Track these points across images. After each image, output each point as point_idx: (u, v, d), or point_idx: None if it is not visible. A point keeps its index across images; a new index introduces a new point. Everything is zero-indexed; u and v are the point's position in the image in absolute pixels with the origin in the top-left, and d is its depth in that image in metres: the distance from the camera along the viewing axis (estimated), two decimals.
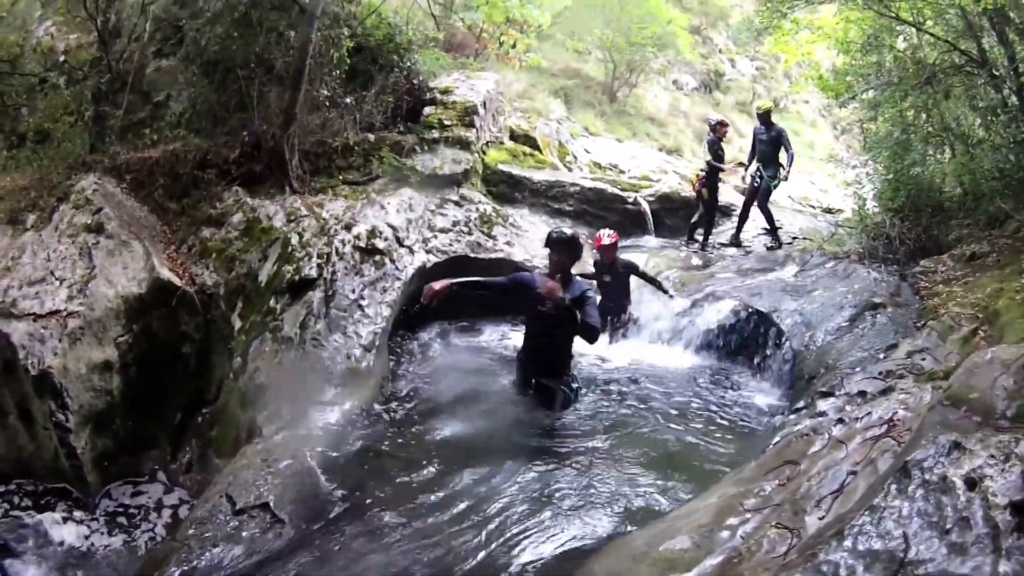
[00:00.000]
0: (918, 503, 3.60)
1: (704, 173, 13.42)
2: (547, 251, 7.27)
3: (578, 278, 7.59)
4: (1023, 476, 3.44)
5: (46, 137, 11.52)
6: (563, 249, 7.06)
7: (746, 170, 13.98)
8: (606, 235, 10.48)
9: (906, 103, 11.59)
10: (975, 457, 3.66)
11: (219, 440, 8.30)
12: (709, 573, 4.21)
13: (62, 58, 12.77)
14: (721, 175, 13.88)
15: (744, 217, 13.89)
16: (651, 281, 10.77)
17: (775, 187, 13.37)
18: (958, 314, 7.48)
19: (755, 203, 13.62)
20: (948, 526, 3.39)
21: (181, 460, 8.73)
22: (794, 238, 13.62)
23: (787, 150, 13.23)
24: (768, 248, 13.29)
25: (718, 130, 13.50)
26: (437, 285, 6.64)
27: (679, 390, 8.80)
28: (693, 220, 13.88)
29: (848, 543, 3.55)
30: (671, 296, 10.70)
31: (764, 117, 13.43)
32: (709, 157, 13.35)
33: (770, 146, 13.24)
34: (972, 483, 3.53)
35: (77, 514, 7.92)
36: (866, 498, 3.94)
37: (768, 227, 13.63)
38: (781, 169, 13.17)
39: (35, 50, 12.38)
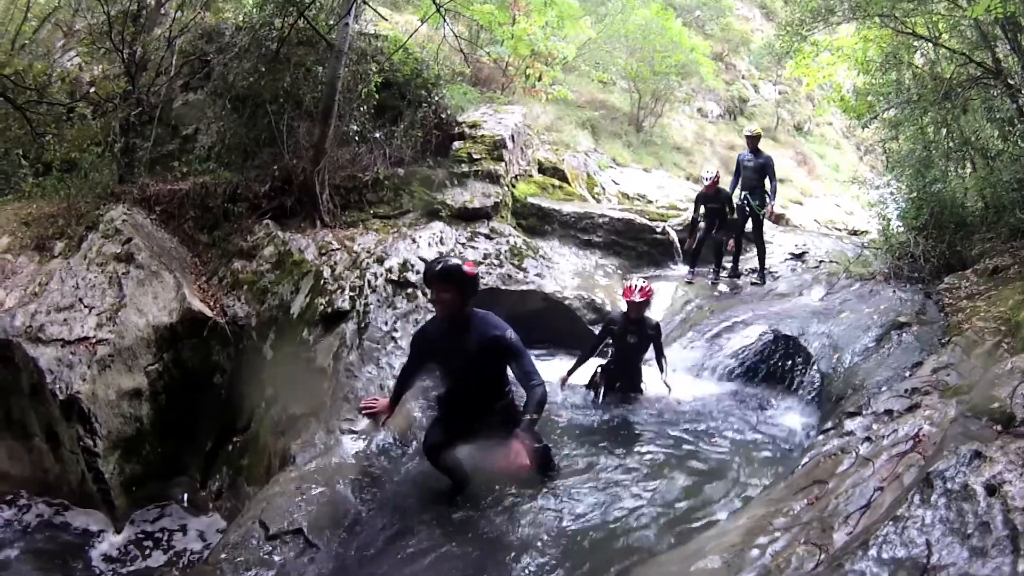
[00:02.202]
0: (940, 511, 3.72)
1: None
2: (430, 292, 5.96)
3: (488, 314, 5.90)
4: None
5: (73, 166, 11.55)
6: (448, 285, 5.62)
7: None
8: (638, 288, 8.77)
9: (926, 119, 11.69)
10: (995, 464, 3.78)
11: (251, 468, 8.33)
12: None
13: (90, 89, 12.79)
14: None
15: (739, 247, 13.59)
16: (660, 352, 9.11)
17: (763, 216, 13.06)
18: (981, 328, 7.42)
19: (744, 231, 13.35)
20: (969, 531, 3.51)
21: (211, 487, 8.77)
22: (820, 262, 13.53)
23: (771, 180, 12.94)
24: (752, 284, 13.16)
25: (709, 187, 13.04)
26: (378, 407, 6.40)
27: (708, 415, 8.72)
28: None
29: (873, 552, 3.68)
30: (664, 376, 8.95)
31: (753, 142, 13.10)
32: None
33: (756, 173, 12.94)
34: (992, 489, 3.66)
35: (104, 537, 8.02)
36: (890, 509, 4.01)
37: (759, 260, 13.39)
38: (767, 199, 12.90)
39: (63, 80, 12.40)
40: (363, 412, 6.64)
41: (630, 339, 8.93)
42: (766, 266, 13.39)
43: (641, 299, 8.69)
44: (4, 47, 12.72)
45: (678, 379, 9.88)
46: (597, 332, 9.30)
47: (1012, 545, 3.31)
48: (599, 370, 9.06)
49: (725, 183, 13.33)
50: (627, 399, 8.93)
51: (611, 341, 9.10)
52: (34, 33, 14.81)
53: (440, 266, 5.67)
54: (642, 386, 9.18)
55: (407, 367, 6.44)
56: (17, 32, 13.65)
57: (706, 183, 12.87)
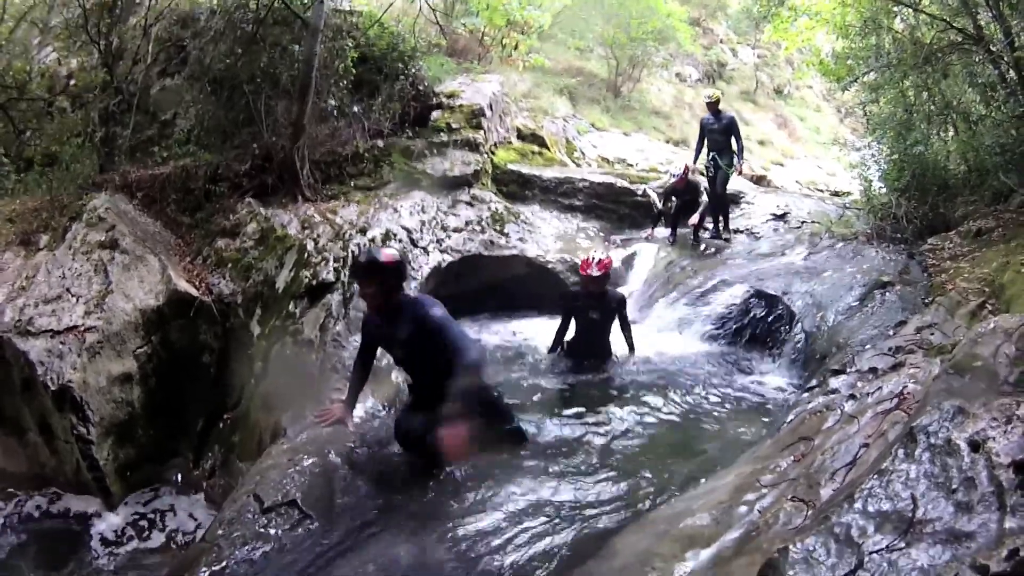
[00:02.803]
0: (925, 465, 3.73)
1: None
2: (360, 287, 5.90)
3: (420, 297, 5.93)
4: None
5: (54, 160, 11.57)
6: (370, 279, 5.63)
7: (695, 161, 13.82)
8: (595, 261, 8.47)
9: (906, 83, 11.76)
10: (978, 420, 3.77)
11: (242, 444, 8.35)
12: (728, 547, 4.28)
13: (70, 82, 12.82)
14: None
15: (715, 210, 13.61)
16: (625, 326, 8.90)
17: (730, 175, 13.22)
18: (965, 289, 7.56)
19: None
20: (954, 486, 3.52)
21: (204, 466, 8.78)
22: (803, 222, 13.53)
23: (738, 140, 13.07)
24: (713, 238, 13.32)
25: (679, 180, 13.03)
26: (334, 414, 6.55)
27: (694, 375, 8.84)
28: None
29: (859, 505, 3.67)
30: (632, 351, 8.96)
31: (713, 107, 13.24)
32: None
33: (722, 135, 13.08)
34: (976, 445, 3.64)
35: (101, 522, 8.04)
36: (875, 464, 4.05)
37: (720, 217, 13.58)
38: (735, 158, 13.03)
39: (42, 75, 12.43)
40: (320, 423, 6.56)
41: (592, 315, 8.68)
42: (730, 225, 13.67)
43: (599, 273, 8.41)
44: None
45: (661, 338, 10.06)
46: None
47: (998, 501, 3.35)
48: (563, 347, 8.98)
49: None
50: (597, 368, 8.70)
51: (573, 316, 8.84)
52: (11, 33, 14.78)
53: (359, 260, 5.76)
54: (613, 356, 8.95)
55: (359, 358, 6.43)
56: None
57: (674, 179, 12.93)
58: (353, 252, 9.57)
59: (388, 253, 5.69)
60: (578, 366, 8.69)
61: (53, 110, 11.93)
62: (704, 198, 12.94)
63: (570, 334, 8.95)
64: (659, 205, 13.67)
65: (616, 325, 8.84)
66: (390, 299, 5.67)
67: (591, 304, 8.61)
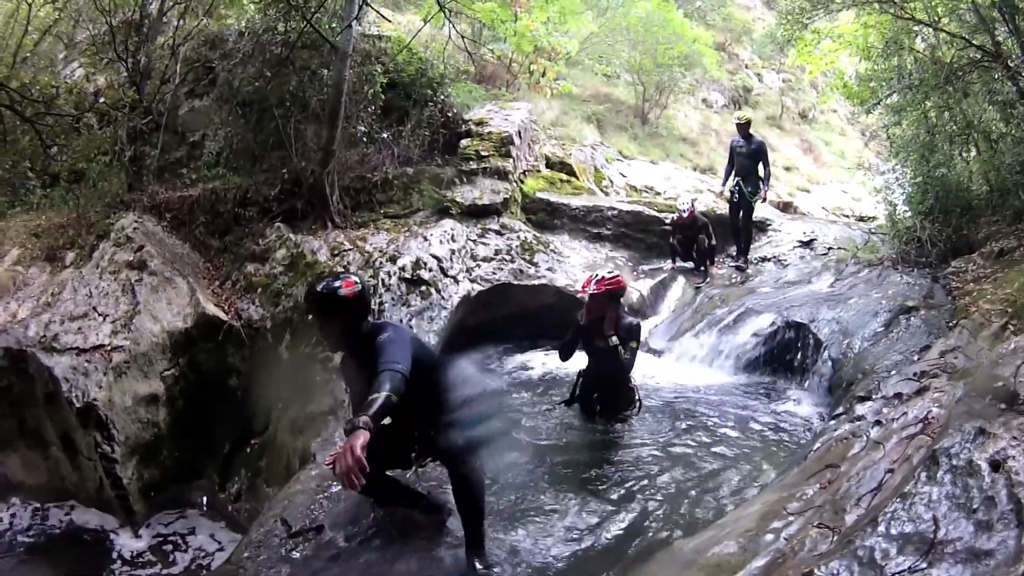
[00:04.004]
0: (946, 487, 3.83)
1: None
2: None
3: (381, 324, 4.99)
4: None
5: (81, 176, 11.61)
6: (329, 315, 4.93)
7: (723, 185, 13.63)
8: (596, 279, 7.25)
9: (928, 104, 11.64)
10: (999, 440, 3.90)
11: (269, 469, 8.40)
12: (755, 574, 4.25)
13: (98, 99, 12.79)
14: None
15: (738, 235, 13.61)
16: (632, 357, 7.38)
17: (754, 203, 13.11)
18: (988, 311, 7.42)
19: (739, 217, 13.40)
20: (975, 506, 3.62)
21: (230, 490, 8.82)
22: (829, 248, 13.49)
23: (765, 167, 12.95)
24: (737, 268, 13.24)
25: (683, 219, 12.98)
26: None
27: (722, 405, 8.76)
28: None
29: (882, 528, 3.78)
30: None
31: (744, 129, 13.06)
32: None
33: (750, 159, 12.92)
34: (996, 465, 3.77)
35: (123, 542, 8.10)
36: (899, 487, 4.11)
37: (743, 245, 13.51)
38: (760, 184, 12.90)
39: (69, 91, 12.41)
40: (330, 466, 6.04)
41: (599, 343, 7.25)
42: (749, 257, 13.52)
43: (597, 291, 7.13)
44: (6, 61, 12.71)
45: (689, 369, 10.03)
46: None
47: (1016, 519, 3.41)
48: (578, 379, 7.77)
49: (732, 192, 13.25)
50: (608, 415, 7.65)
51: (584, 348, 7.52)
52: (35, 46, 14.81)
53: (314, 292, 4.91)
54: (630, 410, 7.68)
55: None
56: (18, 46, 13.65)
57: (683, 214, 12.89)
58: (383, 280, 9.62)
59: (348, 283, 4.90)
60: (587, 407, 7.73)
61: (80, 126, 11.89)
62: (706, 241, 12.95)
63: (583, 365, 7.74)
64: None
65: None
66: (352, 337, 4.96)
67: (595, 331, 7.24)
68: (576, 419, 7.72)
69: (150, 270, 9.45)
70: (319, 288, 4.89)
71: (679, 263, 13.18)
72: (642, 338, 8.01)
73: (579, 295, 7.68)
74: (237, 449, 9.13)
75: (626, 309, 7.98)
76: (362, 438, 3.80)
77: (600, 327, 7.16)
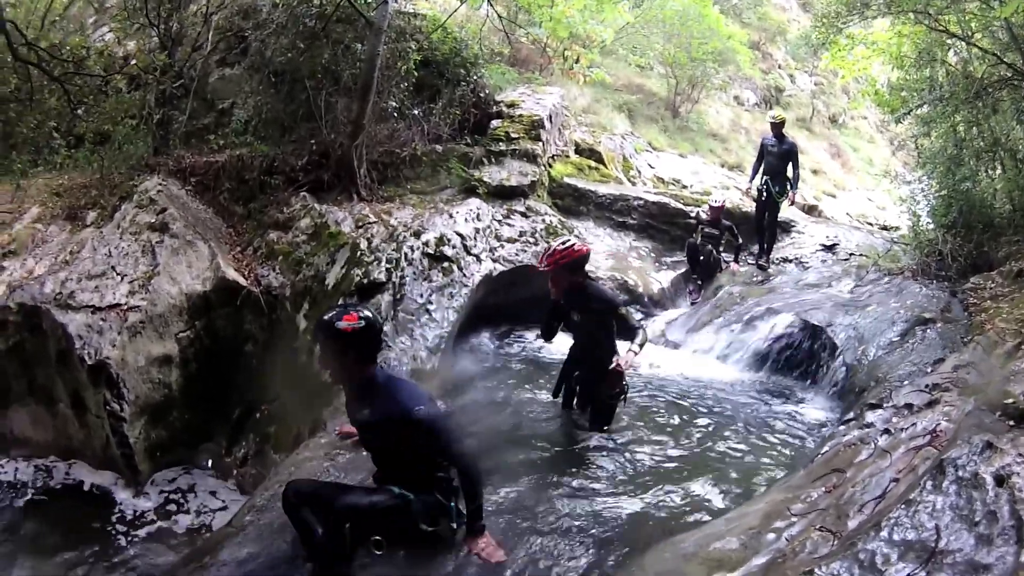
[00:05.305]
0: (951, 498, 3.89)
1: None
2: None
3: (404, 383, 4.92)
4: None
5: (106, 138, 11.56)
6: (330, 347, 4.69)
7: (751, 182, 13.73)
8: (546, 253, 6.73)
9: (957, 118, 11.61)
10: (1005, 455, 3.96)
11: (277, 436, 8.43)
12: (755, 572, 4.30)
13: (129, 62, 12.75)
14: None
15: (761, 234, 13.62)
16: (625, 330, 6.81)
17: (781, 203, 13.14)
18: (1003, 330, 7.41)
19: (763, 219, 13.45)
20: (977, 519, 3.67)
21: (236, 454, 8.83)
22: (851, 254, 13.51)
23: (795, 168, 12.94)
24: (759, 267, 13.29)
25: (711, 212, 13.08)
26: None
27: (734, 402, 8.76)
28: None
29: (884, 533, 3.82)
30: (632, 345, 6.63)
31: (777, 128, 13.05)
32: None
33: (780, 160, 12.90)
34: (1001, 479, 3.82)
35: (127, 500, 8.16)
36: (904, 494, 4.19)
37: (766, 245, 13.53)
38: (788, 186, 12.89)
39: (99, 54, 12.35)
40: (341, 436, 6.08)
41: (574, 316, 6.97)
42: (771, 257, 13.57)
43: (547, 267, 6.66)
44: (35, 23, 12.69)
45: (705, 363, 10.07)
46: None
47: (1017, 535, 3.46)
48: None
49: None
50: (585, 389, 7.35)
51: (565, 323, 7.18)
52: (64, 10, 14.81)
53: (320, 318, 4.73)
54: (613, 399, 7.17)
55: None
56: (47, 8, 13.61)
57: (713, 207, 12.99)
58: (406, 254, 9.52)
59: (351, 316, 4.62)
60: (566, 386, 7.44)
61: (109, 89, 11.84)
62: (726, 247, 13.14)
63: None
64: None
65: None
66: (352, 374, 4.72)
67: (572, 304, 6.89)
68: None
69: (171, 232, 9.44)
70: (323, 316, 4.72)
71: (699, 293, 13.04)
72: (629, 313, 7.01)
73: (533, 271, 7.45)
74: (247, 415, 9.13)
75: (597, 282, 7.47)
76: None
77: (574, 302, 6.81)
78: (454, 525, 4.93)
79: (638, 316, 10.86)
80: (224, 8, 12.64)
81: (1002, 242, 10.40)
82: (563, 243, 6.72)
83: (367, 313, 4.71)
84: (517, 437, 7.15)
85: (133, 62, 12.56)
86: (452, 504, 4.91)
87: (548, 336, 7.27)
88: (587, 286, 6.82)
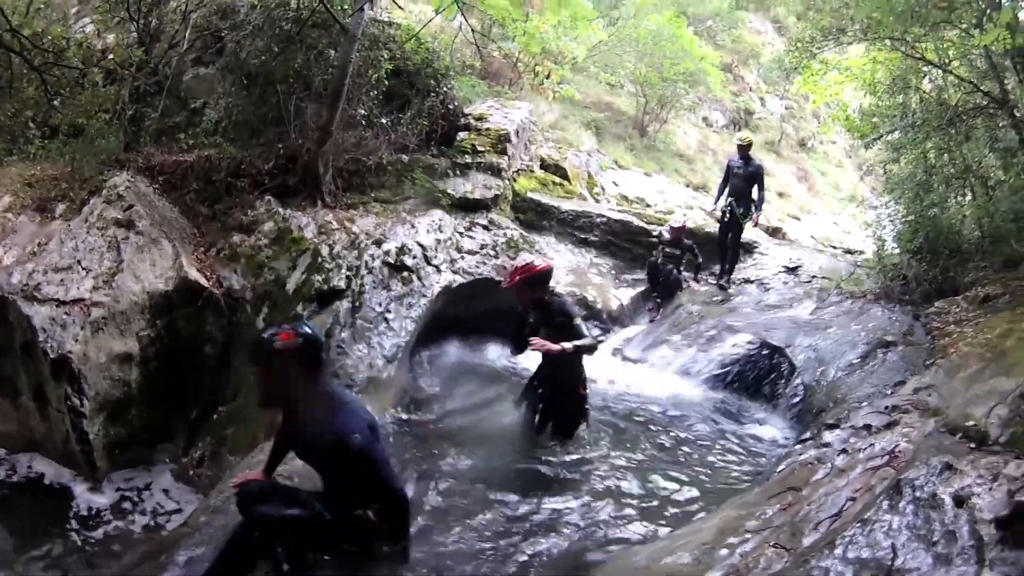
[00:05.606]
0: (908, 517, 3.92)
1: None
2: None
3: (345, 404, 4.64)
4: (1009, 494, 3.72)
5: (80, 131, 11.50)
6: (263, 365, 4.56)
7: (715, 203, 13.80)
8: (512, 269, 7.22)
9: (929, 144, 11.75)
10: (965, 477, 4.02)
11: (234, 439, 8.42)
12: None
13: (106, 55, 12.79)
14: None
15: (724, 254, 13.72)
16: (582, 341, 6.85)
17: (744, 224, 13.26)
18: (967, 353, 7.50)
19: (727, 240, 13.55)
20: (935, 539, 3.71)
21: (193, 455, 8.79)
22: (813, 277, 13.63)
23: (760, 190, 13.08)
24: (720, 287, 13.40)
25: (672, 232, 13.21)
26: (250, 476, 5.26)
27: (690, 419, 8.90)
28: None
29: (839, 551, 3.87)
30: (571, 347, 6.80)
31: (744, 150, 13.21)
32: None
33: (745, 181, 13.03)
34: (960, 500, 3.88)
35: (84, 498, 8.05)
36: (859, 513, 4.22)
37: (728, 266, 13.61)
38: (752, 207, 13.04)
39: (79, 45, 12.41)
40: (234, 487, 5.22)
41: (541, 332, 6.98)
42: (732, 277, 13.67)
43: (509, 284, 7.09)
44: (20, 9, 12.74)
45: (662, 379, 10.14)
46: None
47: (977, 555, 3.46)
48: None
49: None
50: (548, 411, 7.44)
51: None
52: None
53: (256, 336, 4.58)
54: (579, 428, 7.44)
55: (277, 435, 5.26)
56: None
57: (674, 228, 13.09)
58: (366, 262, 9.66)
59: (287, 335, 4.44)
60: (530, 400, 7.56)
61: (86, 82, 11.87)
62: (687, 266, 13.32)
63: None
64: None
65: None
66: (282, 394, 4.59)
67: (538, 319, 7.11)
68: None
69: (137, 230, 9.46)
70: (258, 337, 4.62)
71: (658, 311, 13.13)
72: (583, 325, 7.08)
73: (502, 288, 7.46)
74: (205, 416, 9.12)
75: (561, 296, 7.51)
76: None
77: (539, 315, 7.07)
78: (386, 548, 4.80)
79: (596, 332, 10.99)
80: (203, 6, 12.67)
81: (969, 268, 10.56)
82: (524, 261, 7.11)
83: (305, 329, 4.57)
84: (473, 449, 7.35)
85: (111, 56, 12.57)
86: (384, 528, 4.72)
87: (518, 349, 7.34)
88: (551, 302, 7.07)
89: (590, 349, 6.97)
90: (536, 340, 6.66)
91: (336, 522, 4.58)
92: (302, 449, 4.75)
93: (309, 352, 4.47)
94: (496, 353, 10.46)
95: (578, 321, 7.00)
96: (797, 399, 9.21)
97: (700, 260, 13.46)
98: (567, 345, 6.67)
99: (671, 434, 8.20)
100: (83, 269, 8.92)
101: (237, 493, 4.84)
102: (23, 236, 9.41)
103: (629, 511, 6.20)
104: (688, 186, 21.28)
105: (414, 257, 10.11)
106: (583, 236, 14.08)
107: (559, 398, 7.27)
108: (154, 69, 11.78)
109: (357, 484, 4.54)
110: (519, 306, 7.19)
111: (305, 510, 4.61)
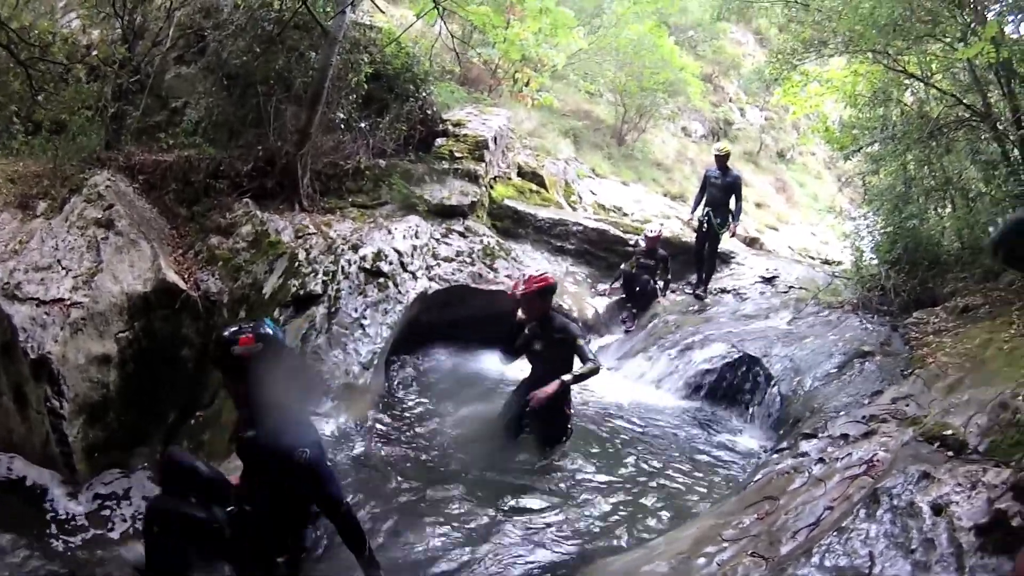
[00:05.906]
0: (885, 526, 3.94)
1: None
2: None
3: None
4: (989, 502, 3.71)
5: (62, 128, 11.53)
6: (222, 369, 4.56)
7: (692, 212, 13.91)
8: (525, 279, 7.19)
9: (909, 156, 11.86)
10: (943, 485, 4.02)
11: (211, 443, 8.38)
12: None
13: (91, 51, 12.78)
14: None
15: (700, 264, 13.86)
16: (583, 369, 6.89)
17: (721, 234, 13.36)
18: (945, 363, 7.53)
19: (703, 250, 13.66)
20: (913, 547, 3.73)
21: None
22: (790, 287, 13.74)
23: (737, 201, 13.17)
24: (696, 296, 13.51)
25: (647, 242, 13.36)
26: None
27: (666, 428, 8.94)
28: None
29: (816, 560, 3.88)
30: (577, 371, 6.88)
31: (722, 161, 13.30)
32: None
33: (723, 192, 13.14)
34: (938, 508, 3.90)
35: (63, 501, 7.88)
36: (836, 522, 4.22)
37: (704, 275, 13.74)
38: (730, 218, 13.15)
39: (64, 41, 12.40)
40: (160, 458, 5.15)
41: (535, 346, 7.21)
42: (709, 287, 13.79)
43: (526, 291, 7.02)
44: (9, 3, 12.74)
45: (637, 389, 10.21)
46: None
47: (956, 563, 3.51)
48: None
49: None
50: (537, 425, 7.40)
51: (525, 353, 7.46)
52: None
53: (218, 335, 4.50)
54: (560, 444, 7.46)
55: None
56: None
57: (649, 237, 13.19)
58: (343, 267, 9.69)
59: (247, 339, 4.33)
60: (513, 412, 7.46)
61: (70, 77, 11.87)
62: (650, 282, 13.26)
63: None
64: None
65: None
66: (245, 400, 4.50)
67: (534, 332, 7.23)
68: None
69: (116, 230, 9.48)
70: (217, 334, 4.54)
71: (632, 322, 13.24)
72: (586, 345, 7.13)
73: (510, 295, 7.43)
74: (182, 420, 9.12)
75: (564, 310, 8.05)
76: None
77: (538, 329, 7.16)
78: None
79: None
80: (187, 4, 12.67)
81: (948, 279, 10.66)
82: (539, 272, 7.26)
83: (266, 330, 4.44)
84: (447, 457, 7.46)
85: (95, 52, 12.57)
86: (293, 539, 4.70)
87: (507, 357, 7.58)
88: (553, 316, 7.18)
89: (591, 375, 6.97)
90: (535, 398, 6.74)
91: (235, 536, 4.52)
92: (245, 455, 4.62)
93: (267, 360, 4.34)
94: (478, 359, 10.57)
95: (581, 342, 7.02)
96: (774, 409, 9.27)
97: (670, 276, 13.59)
98: (566, 378, 6.75)
99: (647, 444, 8.24)
100: (63, 269, 8.89)
101: (162, 461, 4.84)
102: (5, 233, 9.35)
103: (605, 521, 6.25)
104: (666, 195, 21.36)
105: (390, 263, 10.11)
106: (559, 244, 14.23)
107: (542, 413, 7.08)
108: (137, 67, 11.77)
109: (287, 498, 4.49)
110: (523, 315, 7.24)
111: (202, 513, 4.56)
